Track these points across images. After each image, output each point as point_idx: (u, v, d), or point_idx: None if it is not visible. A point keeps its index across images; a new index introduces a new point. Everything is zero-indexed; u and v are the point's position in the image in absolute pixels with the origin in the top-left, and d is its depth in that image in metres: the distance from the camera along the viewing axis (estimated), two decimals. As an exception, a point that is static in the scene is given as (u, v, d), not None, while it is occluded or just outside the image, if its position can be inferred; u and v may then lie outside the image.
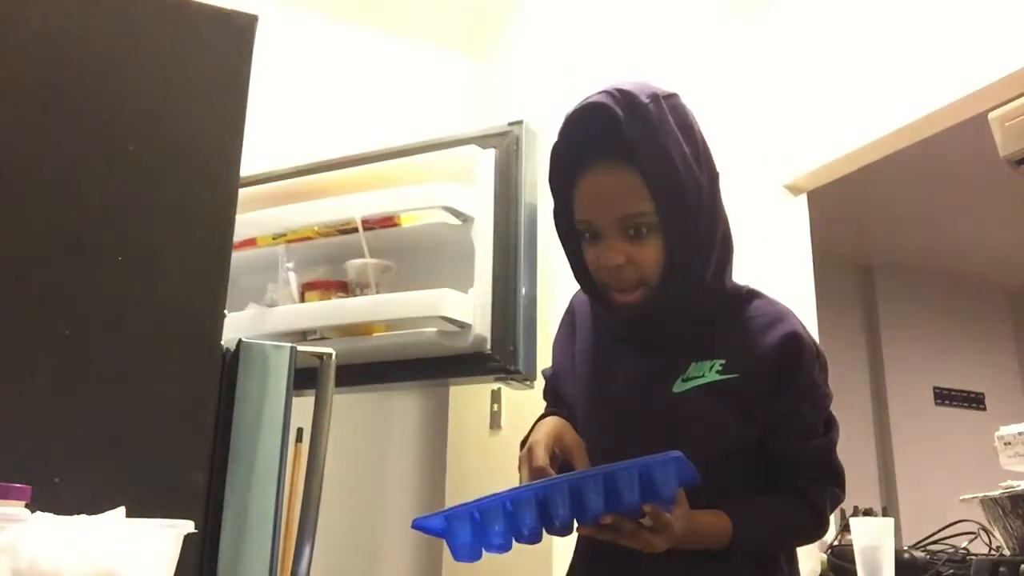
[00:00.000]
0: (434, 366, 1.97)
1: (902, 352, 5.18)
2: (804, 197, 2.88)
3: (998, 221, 4.64)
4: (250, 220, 2.04)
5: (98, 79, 1.29)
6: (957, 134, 2.41)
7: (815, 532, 1.18)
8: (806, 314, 2.68)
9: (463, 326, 1.87)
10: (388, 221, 2.02)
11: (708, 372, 1.11)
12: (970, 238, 4.91)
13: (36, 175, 1.23)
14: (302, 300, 2.05)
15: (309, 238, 2.10)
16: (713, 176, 1.13)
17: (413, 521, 1.00)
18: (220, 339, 1.27)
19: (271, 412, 1.32)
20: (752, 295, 1.19)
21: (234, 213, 1.32)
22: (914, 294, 5.36)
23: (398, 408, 2.96)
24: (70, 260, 1.21)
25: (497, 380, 1.95)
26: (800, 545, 1.21)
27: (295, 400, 1.35)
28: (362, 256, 2.00)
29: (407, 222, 2.03)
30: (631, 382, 1.16)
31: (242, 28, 1.37)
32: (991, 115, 1.61)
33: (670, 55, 2.82)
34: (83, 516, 0.80)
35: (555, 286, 1.14)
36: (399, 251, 2.05)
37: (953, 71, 2.25)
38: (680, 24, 2.90)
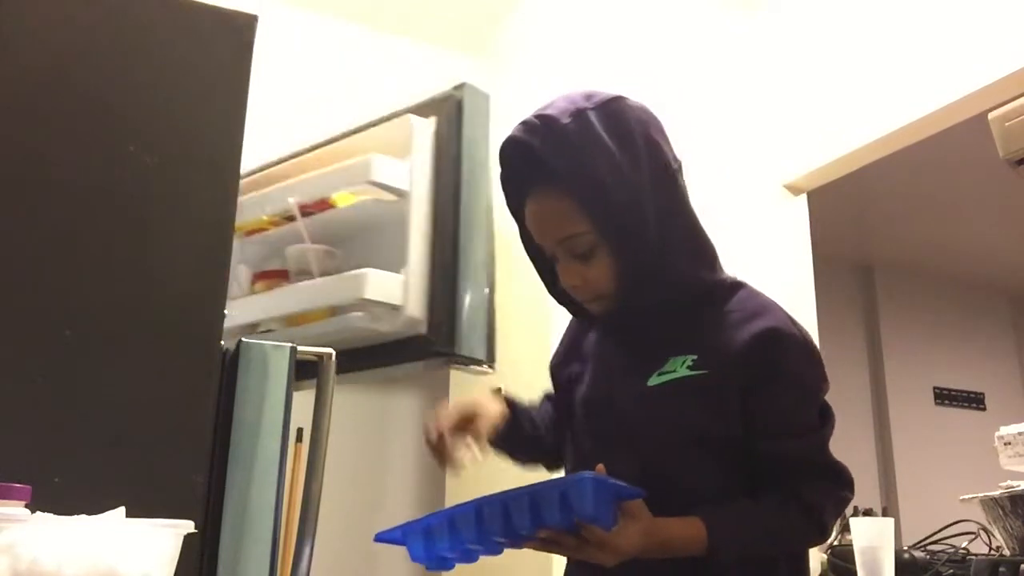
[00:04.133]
0: (373, 353, 1.85)
1: (902, 352, 5.18)
2: (804, 197, 2.87)
3: (998, 221, 4.64)
4: None
5: (98, 79, 1.29)
6: (957, 134, 2.41)
7: (813, 535, 1.13)
8: (806, 314, 2.68)
9: (393, 308, 1.73)
10: (324, 204, 1.93)
11: (680, 367, 1.11)
12: (970, 238, 4.90)
13: (36, 175, 1.23)
14: (252, 292, 2.00)
15: (264, 229, 2.05)
16: (664, 176, 1.11)
17: (376, 534, 1.06)
18: (220, 339, 1.28)
19: (271, 412, 1.32)
20: (736, 287, 1.17)
21: (234, 213, 1.32)
22: (914, 294, 5.35)
23: (398, 408, 2.96)
24: (70, 260, 1.22)
25: (447, 364, 1.81)
26: (797, 548, 1.16)
27: (295, 400, 1.35)
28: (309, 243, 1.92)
29: (343, 203, 1.93)
30: (616, 376, 1.18)
31: (242, 28, 1.37)
32: (991, 115, 1.61)
33: (670, 54, 2.82)
34: (83, 516, 0.80)
35: (519, 257, 1.15)
36: (341, 234, 1.95)
37: (953, 71, 2.25)
38: (680, 23, 2.90)
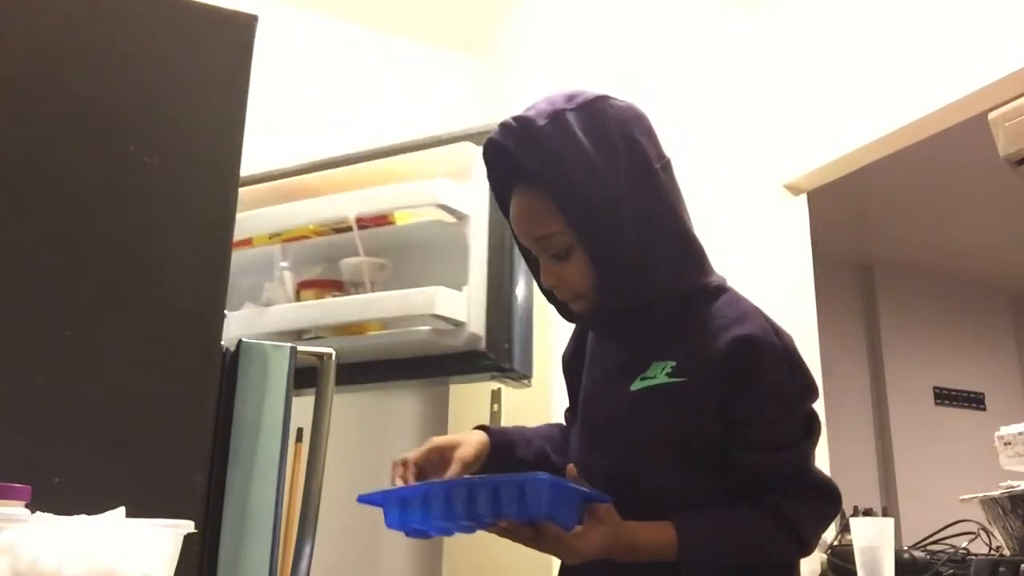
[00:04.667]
0: (429, 364, 1.96)
1: (902, 352, 5.18)
2: (804, 197, 2.87)
3: (998, 221, 4.64)
4: (246, 219, 2.02)
5: (98, 79, 1.29)
6: (957, 134, 2.41)
7: (792, 550, 1.10)
8: (806, 314, 2.68)
9: (457, 324, 1.85)
10: (383, 219, 2.01)
11: (660, 374, 1.10)
12: (970, 238, 4.90)
13: (36, 175, 1.23)
14: (297, 299, 2.04)
15: (305, 237, 2.10)
16: (645, 175, 1.10)
17: (359, 496, 1.09)
18: (220, 339, 1.28)
19: (271, 412, 1.32)
20: (719, 291, 1.15)
21: (234, 213, 1.32)
22: (914, 294, 5.35)
23: (398, 408, 2.96)
24: (70, 260, 1.22)
25: (493, 379, 1.93)
26: (776, 562, 1.12)
27: (295, 400, 1.35)
28: (357, 254, 1.99)
29: (402, 220, 2.02)
30: (607, 377, 1.18)
31: (242, 28, 1.37)
32: (991, 115, 1.61)
33: (670, 54, 2.82)
34: (83, 516, 0.80)
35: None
36: (394, 249, 2.03)
37: (953, 71, 2.25)
38: (680, 23, 2.90)
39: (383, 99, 3.12)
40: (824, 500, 1.11)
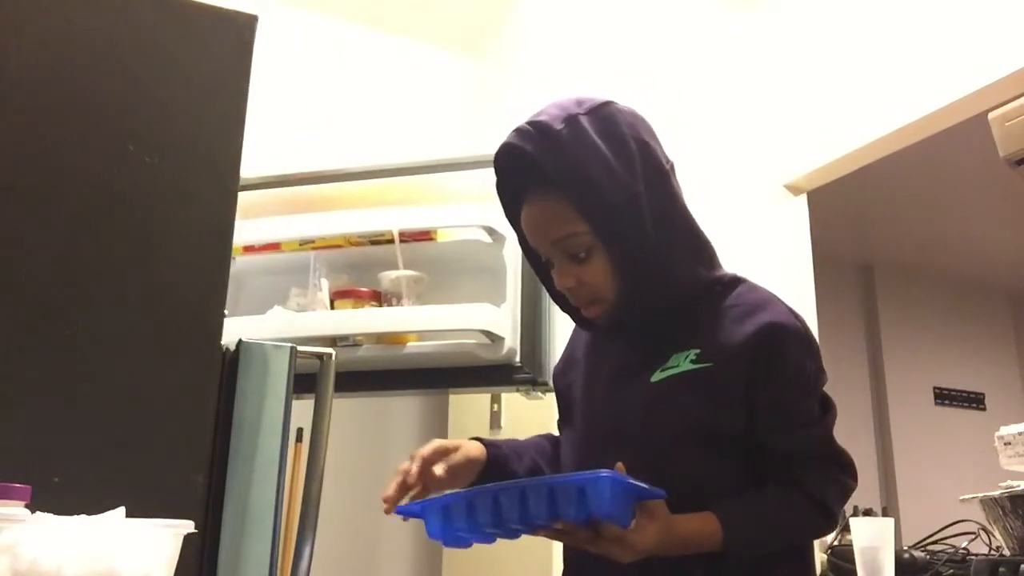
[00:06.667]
0: (465, 375, 2.08)
1: (902, 352, 5.18)
2: (804, 197, 2.87)
3: (998, 221, 4.64)
4: (278, 225, 2.11)
5: (98, 79, 1.29)
6: (957, 134, 2.41)
7: (821, 525, 1.14)
8: (806, 314, 2.67)
9: (498, 339, 1.97)
10: (424, 235, 2.10)
11: (683, 362, 1.12)
12: (970, 238, 4.90)
13: (36, 175, 1.23)
14: (332, 307, 2.10)
15: (338, 246, 2.16)
16: (657, 177, 1.13)
17: (397, 507, 1.08)
18: (220, 339, 1.28)
19: (271, 412, 1.32)
20: (736, 282, 1.19)
21: (234, 213, 1.32)
22: (914, 294, 5.35)
23: (398, 408, 2.96)
24: (70, 260, 1.22)
25: (519, 390, 2.04)
26: (807, 539, 1.18)
27: (295, 401, 1.35)
28: (391, 266, 2.07)
29: (442, 237, 2.11)
30: (615, 375, 1.19)
31: (242, 28, 1.37)
32: (991, 115, 1.61)
33: (670, 55, 2.82)
34: (83, 516, 0.80)
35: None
36: (429, 263, 2.13)
37: (953, 71, 2.25)
38: (680, 23, 2.90)
39: (382, 99, 3.12)
40: (845, 473, 1.15)
